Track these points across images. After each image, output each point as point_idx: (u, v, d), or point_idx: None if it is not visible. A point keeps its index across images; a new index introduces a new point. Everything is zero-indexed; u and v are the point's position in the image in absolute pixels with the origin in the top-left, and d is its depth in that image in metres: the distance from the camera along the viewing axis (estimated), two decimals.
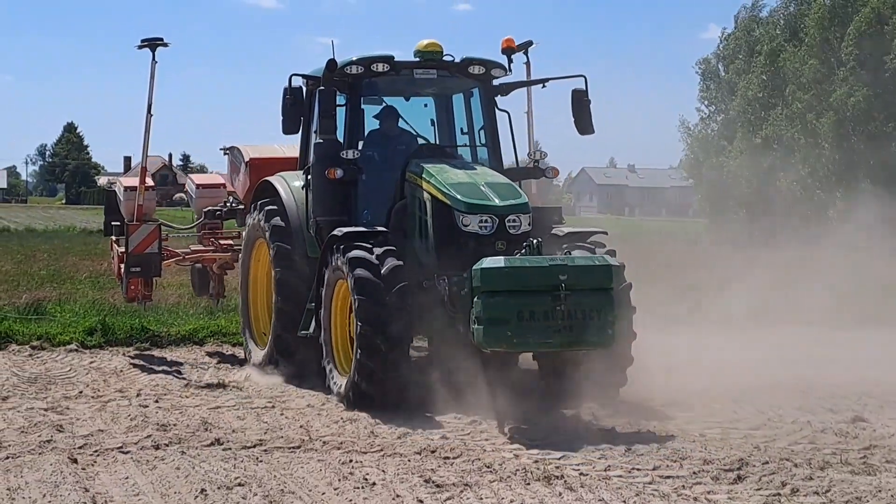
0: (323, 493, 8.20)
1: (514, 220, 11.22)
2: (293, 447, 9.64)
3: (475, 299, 10.16)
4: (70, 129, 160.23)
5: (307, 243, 12.65)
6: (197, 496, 8.09)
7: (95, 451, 9.36)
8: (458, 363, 10.90)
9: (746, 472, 8.64)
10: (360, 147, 12.39)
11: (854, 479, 8.58)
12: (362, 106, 12.61)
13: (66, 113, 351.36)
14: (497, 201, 11.25)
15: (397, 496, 8.13)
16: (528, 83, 13.42)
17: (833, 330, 17.39)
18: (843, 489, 8.29)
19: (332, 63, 12.08)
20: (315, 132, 12.53)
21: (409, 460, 9.13)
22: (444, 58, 12.48)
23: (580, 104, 12.51)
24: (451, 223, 11.23)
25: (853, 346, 15.90)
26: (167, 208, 59.17)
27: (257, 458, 9.22)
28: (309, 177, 12.44)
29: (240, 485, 8.34)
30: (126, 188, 15.65)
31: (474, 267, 10.27)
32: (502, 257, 10.30)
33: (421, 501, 8.04)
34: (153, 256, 14.93)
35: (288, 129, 12.17)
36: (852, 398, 12.08)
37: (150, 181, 15.51)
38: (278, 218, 12.82)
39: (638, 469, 8.84)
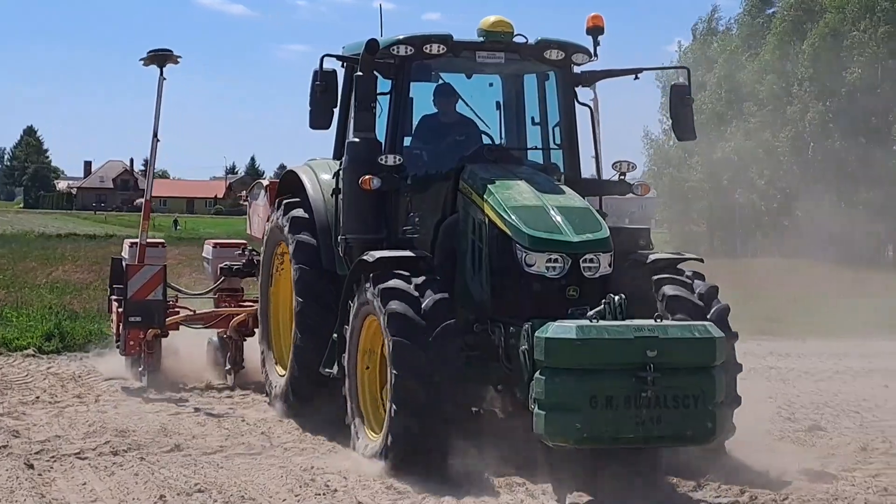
0: (284, 500, 8.12)
1: (591, 261, 8.93)
2: (254, 453, 9.56)
3: (537, 375, 7.97)
4: (29, 132, 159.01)
5: (336, 260, 10.37)
6: (156, 502, 7.98)
7: (52, 457, 9.23)
8: (514, 431, 8.87)
9: (706, 480, 8.67)
10: (406, 144, 10.26)
11: (812, 486, 8.64)
12: (411, 94, 10.29)
13: (25, 116, 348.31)
14: (571, 236, 8.94)
15: (359, 503, 8.10)
16: (620, 73, 10.68)
17: (791, 340, 17.57)
18: (801, 496, 8.35)
19: (373, 43, 9.55)
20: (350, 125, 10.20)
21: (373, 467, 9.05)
22: (515, 38, 10.24)
23: (681, 103, 10.25)
24: (511, 259, 9.00)
25: (810, 356, 16.06)
26: (128, 213, 58.78)
27: (218, 465, 9.11)
28: (338, 181, 10.21)
29: (199, 491, 8.23)
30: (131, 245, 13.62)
31: (537, 333, 8.05)
32: (573, 323, 7.95)
33: None
34: (156, 304, 12.62)
35: (317, 122, 9.89)
36: (810, 408, 12.18)
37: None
38: (305, 232, 10.57)
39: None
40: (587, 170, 10.65)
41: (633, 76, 10.87)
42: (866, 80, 49.32)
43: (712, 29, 60.42)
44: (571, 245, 8.91)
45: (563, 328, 7.91)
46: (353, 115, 9.89)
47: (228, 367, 13.03)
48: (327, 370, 9.86)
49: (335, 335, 9.75)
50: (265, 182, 12.81)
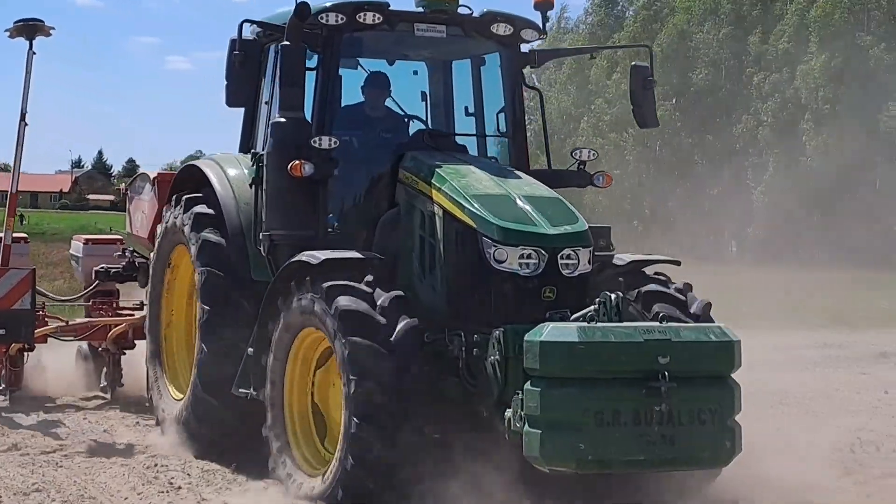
0: (126, 499, 7.90)
1: (569, 257, 7.68)
2: (95, 452, 9.23)
3: (528, 387, 6.69)
4: None
5: (252, 262, 8.95)
6: None
7: None
8: (475, 453, 7.45)
9: None
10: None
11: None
12: (340, 71, 9.01)
13: None
14: (547, 228, 7.67)
15: (203, 499, 7.94)
16: (573, 52, 9.93)
17: None
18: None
19: (303, 8, 8.20)
20: (269, 104, 8.99)
21: (216, 461, 8.85)
22: (459, 10, 9.01)
23: (643, 86, 9.14)
24: (475, 255, 7.67)
25: None
26: None
27: (57, 464, 8.80)
28: (259, 168, 8.68)
29: (37, 490, 7.92)
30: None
31: (528, 337, 6.79)
32: (574, 325, 6.76)
33: None
34: (24, 315, 10.69)
35: (235, 98, 8.66)
36: None
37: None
38: (211, 228, 9.08)
39: None
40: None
41: (589, 56, 10.42)
42: (711, 81, 50.84)
43: (562, 28, 61.38)
44: (548, 238, 7.61)
45: (561, 330, 6.69)
46: (269, 91, 8.92)
47: (104, 383, 11.57)
48: (242, 390, 8.40)
49: (250, 350, 8.34)
50: (151, 175, 11.24)
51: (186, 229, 9.26)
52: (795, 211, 46.47)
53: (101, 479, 8.38)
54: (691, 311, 7.89)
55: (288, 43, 8.17)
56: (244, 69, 8.60)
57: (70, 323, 11.81)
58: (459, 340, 7.48)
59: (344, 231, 8.52)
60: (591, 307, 7.06)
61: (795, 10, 50.00)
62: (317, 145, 8.27)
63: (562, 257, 7.63)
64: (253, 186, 8.89)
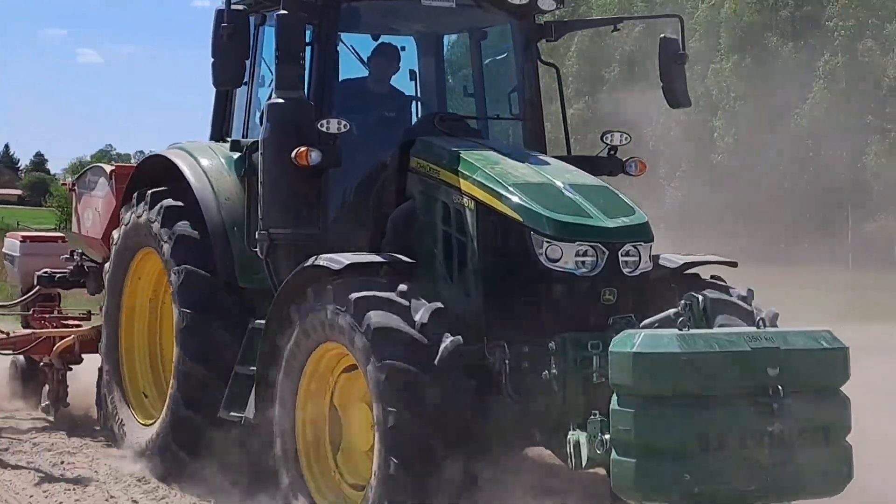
0: (31, 496, 7.81)
1: (630, 254, 6.76)
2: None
3: (615, 407, 5.70)
4: None
5: (237, 266, 7.95)
6: None
7: None
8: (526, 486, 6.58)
9: None
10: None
11: None
12: (338, 46, 8.07)
13: None
14: (604, 220, 6.76)
15: (111, 497, 7.81)
16: (597, 23, 8.42)
17: None
18: None
19: None
20: (261, 83, 8.18)
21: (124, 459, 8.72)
22: None
23: (674, 60, 8.16)
24: (521, 253, 6.70)
25: None
26: None
27: None
28: (249, 157, 7.79)
29: None
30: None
31: (613, 347, 5.76)
32: (670, 333, 5.73)
33: (136, 501, 7.75)
34: None
35: (225, 76, 7.55)
36: None
37: None
38: (186, 222, 8.05)
39: None
40: None
41: (612, 28, 9.03)
42: (624, 77, 51.28)
43: None
44: (607, 232, 6.68)
45: (657, 339, 5.64)
46: (260, 68, 8.12)
47: (46, 403, 10.16)
48: (234, 414, 7.39)
49: (238, 368, 7.44)
50: (107, 168, 10.06)
51: (156, 226, 8.21)
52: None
53: (6, 476, 8.43)
54: (763, 322, 6.56)
55: (285, 12, 7.21)
56: (233, 43, 7.45)
57: (11, 335, 10.40)
58: (502, 352, 6.57)
59: (346, 229, 7.55)
60: (670, 311, 6.08)
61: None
62: (324, 129, 7.19)
63: (623, 254, 6.72)
64: (244, 178, 7.82)
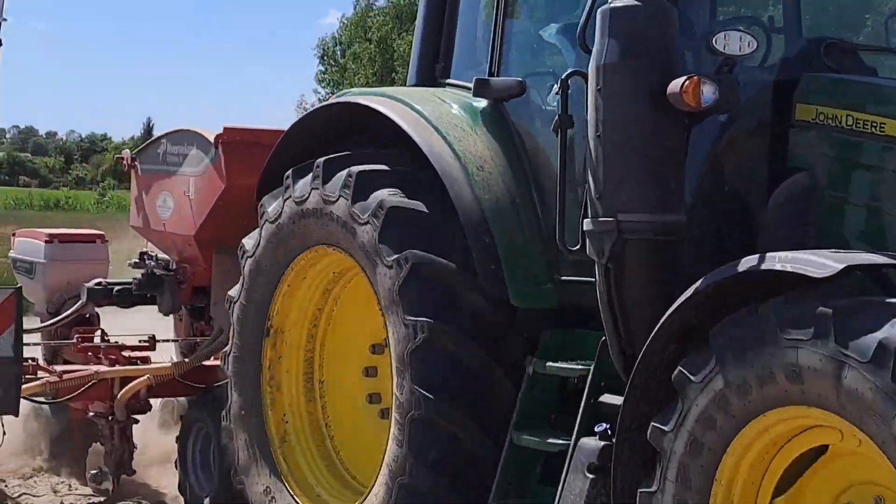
0: None
1: None
2: None
3: None
4: None
5: (507, 273, 5.10)
6: None
7: None
8: None
9: None
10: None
11: None
12: None
13: None
14: None
15: None
16: None
17: None
18: None
19: None
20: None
21: None
22: None
23: None
24: None
25: None
26: None
27: None
28: (565, 98, 4.71)
29: None
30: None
31: None
32: None
33: None
34: (5, 366, 6.42)
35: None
36: None
37: None
38: (396, 190, 5.23)
39: None
40: None
41: None
42: None
43: (370, 5, 62.00)
44: None
45: None
46: None
47: (98, 471, 7.17)
48: None
49: (515, 435, 4.81)
50: (208, 135, 6.88)
51: (341, 203, 5.27)
52: None
53: None
54: None
55: None
56: None
57: (64, 375, 7.06)
58: None
59: (700, 215, 4.74)
60: None
61: None
62: (720, 48, 4.40)
63: None
64: (559, 133, 4.70)
